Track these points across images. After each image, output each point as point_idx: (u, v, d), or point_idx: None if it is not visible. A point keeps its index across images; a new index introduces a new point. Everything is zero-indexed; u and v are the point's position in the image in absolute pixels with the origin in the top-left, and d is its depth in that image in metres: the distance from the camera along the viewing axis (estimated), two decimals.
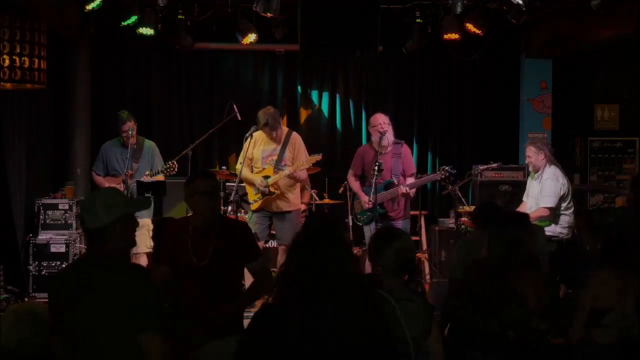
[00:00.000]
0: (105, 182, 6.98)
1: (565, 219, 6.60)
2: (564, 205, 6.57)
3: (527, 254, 3.93)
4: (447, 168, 6.61)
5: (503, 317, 3.43)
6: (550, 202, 6.50)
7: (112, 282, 2.86)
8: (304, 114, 8.85)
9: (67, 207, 7.02)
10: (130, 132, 6.82)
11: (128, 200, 3.09)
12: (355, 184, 6.92)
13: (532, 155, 6.70)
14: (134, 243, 3.10)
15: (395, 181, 6.65)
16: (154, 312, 2.87)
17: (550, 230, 6.52)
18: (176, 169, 6.69)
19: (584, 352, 3.92)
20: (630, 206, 5.98)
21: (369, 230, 6.68)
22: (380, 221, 6.51)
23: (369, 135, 7.09)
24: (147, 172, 6.79)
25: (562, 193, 6.54)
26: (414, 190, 6.71)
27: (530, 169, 6.88)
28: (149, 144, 7.12)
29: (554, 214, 6.53)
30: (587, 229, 4.34)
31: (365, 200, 6.67)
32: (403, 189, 6.58)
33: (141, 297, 2.84)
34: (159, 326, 2.87)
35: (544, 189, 6.56)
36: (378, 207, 6.55)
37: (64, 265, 6.77)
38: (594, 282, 3.98)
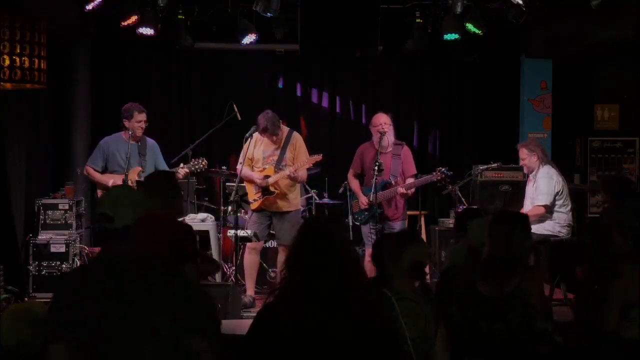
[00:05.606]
0: (108, 179, 6.90)
1: (563, 217, 6.60)
2: (559, 202, 6.58)
3: (529, 254, 3.91)
4: (443, 170, 6.61)
5: (510, 318, 3.36)
6: (544, 200, 6.53)
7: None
8: (304, 114, 8.84)
9: (67, 207, 6.99)
10: (144, 124, 6.70)
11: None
12: (354, 183, 6.91)
13: (526, 157, 6.72)
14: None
15: (393, 182, 6.66)
16: None
17: (550, 229, 6.54)
18: (206, 166, 6.55)
19: (608, 347, 3.88)
20: (610, 206, 5.94)
21: (367, 230, 6.69)
22: (379, 222, 6.53)
23: (369, 135, 7.09)
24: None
25: (556, 190, 6.56)
26: (412, 190, 6.71)
27: (525, 170, 6.90)
28: (152, 141, 7.08)
29: (549, 212, 6.56)
30: (618, 227, 4.29)
31: (363, 201, 6.68)
32: (401, 190, 6.58)
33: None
34: None
35: (538, 188, 6.61)
36: (376, 207, 6.55)
37: (63, 266, 6.78)
38: (626, 275, 3.93)
